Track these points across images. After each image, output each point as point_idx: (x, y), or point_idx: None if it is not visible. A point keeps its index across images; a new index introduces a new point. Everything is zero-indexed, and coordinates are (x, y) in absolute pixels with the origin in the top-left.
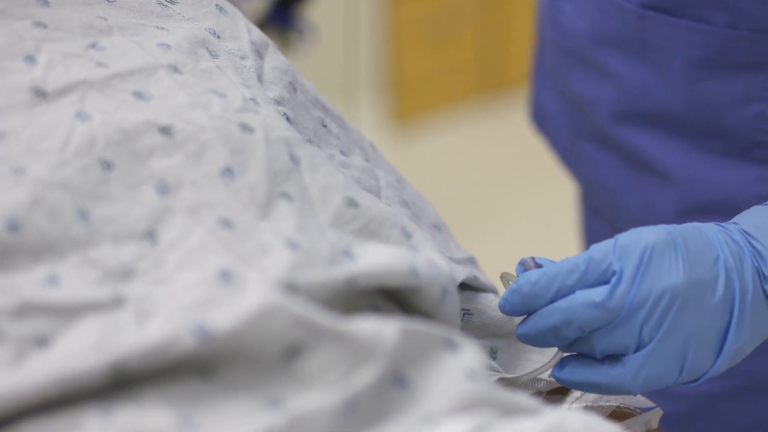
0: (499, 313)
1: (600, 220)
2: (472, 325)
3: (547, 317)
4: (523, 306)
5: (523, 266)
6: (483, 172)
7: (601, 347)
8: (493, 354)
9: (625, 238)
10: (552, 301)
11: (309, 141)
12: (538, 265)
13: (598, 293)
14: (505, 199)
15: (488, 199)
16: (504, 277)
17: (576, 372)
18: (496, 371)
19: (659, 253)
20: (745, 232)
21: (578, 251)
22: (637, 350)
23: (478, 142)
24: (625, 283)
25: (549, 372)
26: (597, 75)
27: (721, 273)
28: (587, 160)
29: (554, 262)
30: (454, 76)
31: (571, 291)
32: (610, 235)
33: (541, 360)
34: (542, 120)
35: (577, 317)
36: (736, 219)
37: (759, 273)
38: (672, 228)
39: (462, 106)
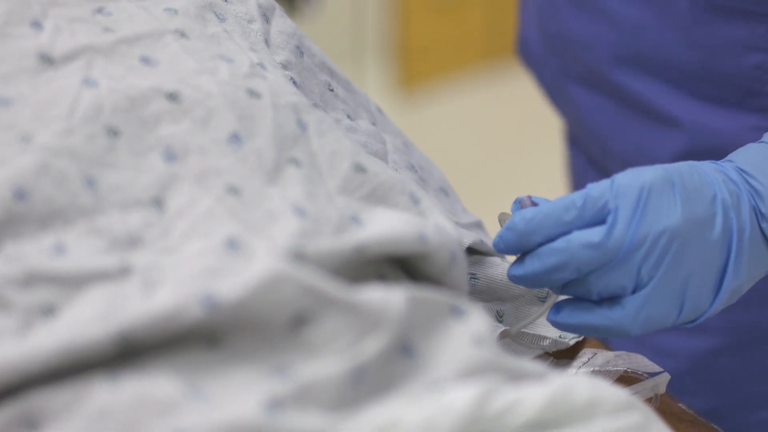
0: (505, 277)
1: (587, 159)
2: (478, 288)
3: (543, 258)
4: (517, 244)
5: (519, 204)
6: (490, 137)
7: (598, 289)
8: (499, 317)
9: (622, 177)
10: (548, 240)
11: (315, 105)
12: (534, 204)
13: (596, 233)
14: (511, 164)
15: (495, 165)
16: (501, 218)
17: (573, 315)
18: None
19: (657, 192)
20: (742, 170)
21: None
22: (635, 291)
23: (485, 108)
24: (623, 222)
25: (549, 329)
26: (594, 16)
27: (718, 211)
28: (575, 101)
29: (550, 201)
30: (461, 42)
31: (567, 229)
32: (596, 174)
33: (546, 326)
34: (528, 57)
35: (575, 258)
36: (730, 156)
37: (756, 211)
38: (669, 167)
39: (469, 71)
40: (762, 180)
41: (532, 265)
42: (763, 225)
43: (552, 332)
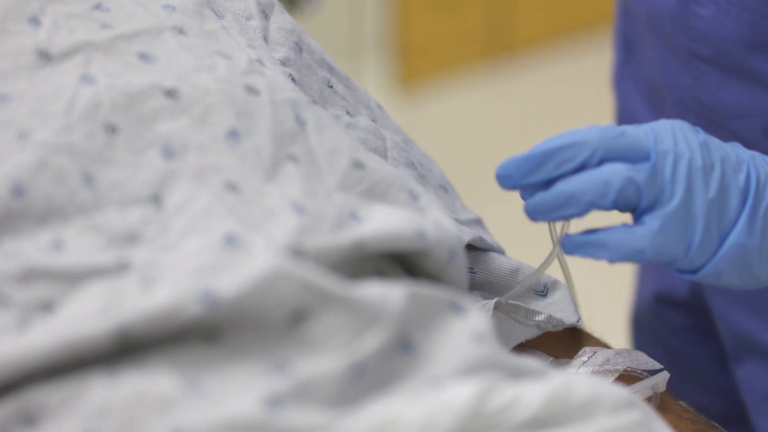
0: (503, 270)
1: None
2: (475, 282)
3: (583, 185)
4: (540, 166)
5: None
6: (489, 135)
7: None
8: (496, 306)
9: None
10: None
11: (314, 102)
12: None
13: (640, 172)
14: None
15: (494, 162)
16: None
17: (584, 234)
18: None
19: (686, 131)
20: None
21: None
22: (653, 209)
23: (485, 106)
24: (668, 168)
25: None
26: (749, 85)
27: (743, 170)
28: None
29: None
30: (461, 40)
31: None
32: None
33: (546, 318)
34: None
35: (619, 194)
36: None
37: None
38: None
39: (469, 69)
40: None
41: (565, 190)
42: None
43: (547, 310)
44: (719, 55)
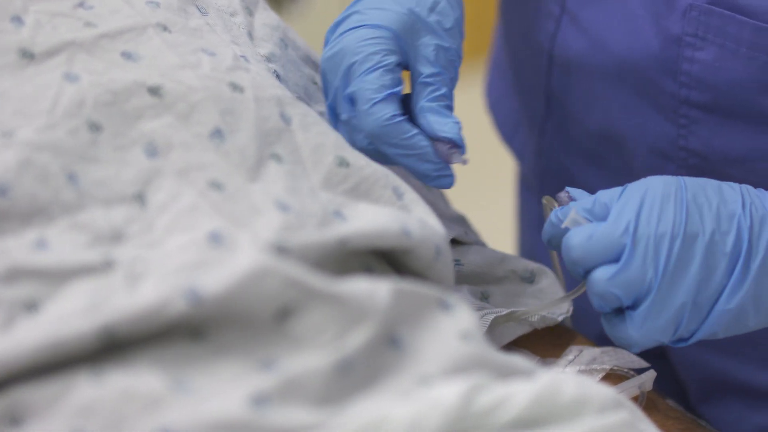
0: (490, 261)
1: None
2: (462, 273)
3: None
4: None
5: (558, 201)
6: (474, 134)
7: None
8: (484, 298)
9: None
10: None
11: (299, 98)
12: (572, 198)
13: (615, 280)
14: (495, 162)
15: (479, 162)
16: (546, 205)
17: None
18: (490, 311)
19: (664, 200)
20: None
21: None
22: (638, 304)
23: (470, 105)
24: (643, 260)
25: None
26: (757, 128)
27: (732, 230)
28: None
29: (589, 198)
30: None
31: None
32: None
33: (534, 305)
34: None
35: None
36: None
37: None
38: (684, 178)
39: None
40: None
41: None
42: None
43: (537, 297)
44: (718, 100)
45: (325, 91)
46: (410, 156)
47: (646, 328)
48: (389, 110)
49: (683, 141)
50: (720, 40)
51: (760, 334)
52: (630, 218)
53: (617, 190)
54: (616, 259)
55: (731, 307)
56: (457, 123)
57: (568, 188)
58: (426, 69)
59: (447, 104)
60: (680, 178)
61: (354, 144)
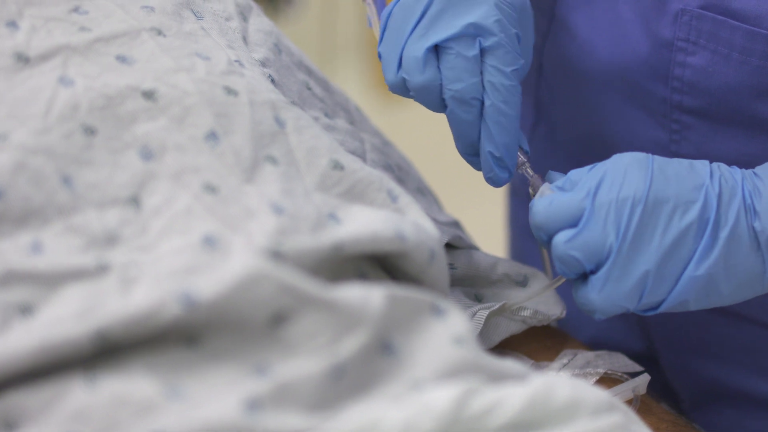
0: (483, 264)
1: None
2: (456, 276)
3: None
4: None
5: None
6: None
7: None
8: (477, 299)
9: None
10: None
11: (294, 103)
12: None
13: (574, 242)
14: None
15: (471, 168)
16: (532, 194)
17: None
18: (483, 306)
19: (632, 169)
20: (755, 173)
21: None
22: (600, 267)
23: None
24: (604, 224)
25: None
26: (750, 133)
27: (699, 198)
28: None
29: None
30: None
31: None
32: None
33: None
34: None
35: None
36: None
37: (750, 209)
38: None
39: None
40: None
41: None
42: (755, 224)
43: (532, 305)
44: (711, 105)
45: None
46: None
47: (607, 291)
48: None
49: (675, 146)
50: (712, 45)
51: (755, 341)
52: (592, 185)
53: (588, 167)
54: (576, 224)
55: (700, 273)
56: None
57: (551, 171)
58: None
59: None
60: (650, 155)
61: None
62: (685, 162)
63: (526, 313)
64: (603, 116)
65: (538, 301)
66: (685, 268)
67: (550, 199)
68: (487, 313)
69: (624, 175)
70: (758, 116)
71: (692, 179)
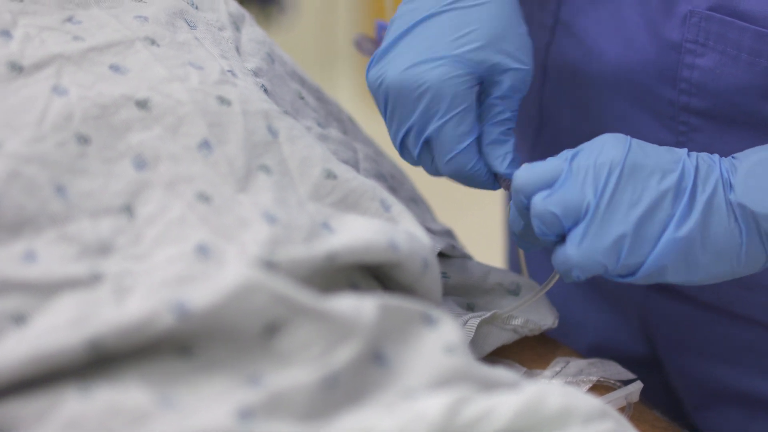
0: (476, 273)
1: None
2: (449, 285)
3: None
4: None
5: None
6: None
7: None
8: (470, 308)
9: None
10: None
11: (286, 113)
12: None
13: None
14: None
15: None
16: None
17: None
18: (474, 314)
19: (609, 143)
20: (733, 156)
21: None
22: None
23: None
24: (583, 182)
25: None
26: (757, 134)
27: (677, 168)
28: None
29: None
30: None
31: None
32: None
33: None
34: None
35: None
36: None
37: (726, 183)
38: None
39: None
40: (744, 160)
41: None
42: (730, 196)
43: (524, 314)
44: (719, 106)
45: (391, 115)
46: (475, 185)
47: (586, 246)
48: (468, 162)
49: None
50: (720, 46)
51: (758, 342)
52: (569, 154)
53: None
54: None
55: (678, 236)
56: (510, 153)
57: None
58: (495, 91)
59: (509, 127)
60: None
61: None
62: (665, 146)
63: (517, 321)
64: (609, 120)
65: (530, 310)
66: (663, 232)
67: (531, 164)
68: (478, 321)
69: (602, 146)
70: (766, 117)
71: (670, 154)
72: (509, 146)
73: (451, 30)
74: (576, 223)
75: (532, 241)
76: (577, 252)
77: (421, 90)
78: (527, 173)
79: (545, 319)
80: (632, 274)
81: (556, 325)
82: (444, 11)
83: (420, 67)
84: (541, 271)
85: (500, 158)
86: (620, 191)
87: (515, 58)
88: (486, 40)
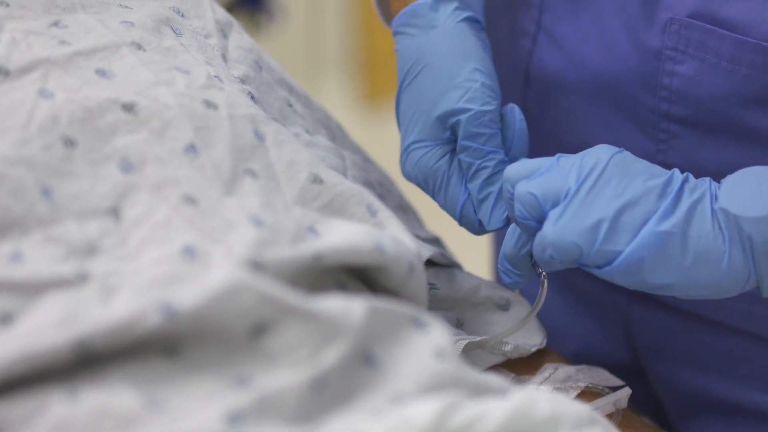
0: (465, 286)
1: None
2: (438, 297)
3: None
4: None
5: None
6: None
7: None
8: (459, 325)
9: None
10: None
11: (274, 119)
12: None
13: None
14: None
15: None
16: None
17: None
18: (464, 337)
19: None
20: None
21: None
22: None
23: None
24: (568, 171)
25: (514, 335)
26: (738, 142)
27: (665, 175)
28: None
29: None
30: None
31: None
32: None
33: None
34: None
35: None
36: None
37: (713, 196)
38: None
39: None
40: (731, 177)
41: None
42: (715, 205)
43: (513, 338)
44: (699, 114)
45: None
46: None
47: (562, 225)
48: (473, 222)
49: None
50: (700, 54)
51: (740, 351)
52: (557, 156)
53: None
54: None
55: (660, 230)
56: (490, 209)
57: None
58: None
59: (484, 178)
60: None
61: None
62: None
63: (507, 348)
64: (590, 127)
65: (519, 331)
66: (644, 225)
67: (523, 160)
68: (466, 342)
69: (593, 150)
70: (746, 125)
71: (661, 167)
72: (491, 200)
73: (411, 105)
74: (555, 206)
75: (520, 272)
76: (553, 230)
77: (415, 181)
78: (517, 167)
79: (534, 338)
80: (609, 263)
81: (544, 344)
82: (406, 86)
83: (406, 157)
84: (529, 284)
85: (486, 216)
86: (603, 182)
87: (464, 103)
88: (431, 105)
